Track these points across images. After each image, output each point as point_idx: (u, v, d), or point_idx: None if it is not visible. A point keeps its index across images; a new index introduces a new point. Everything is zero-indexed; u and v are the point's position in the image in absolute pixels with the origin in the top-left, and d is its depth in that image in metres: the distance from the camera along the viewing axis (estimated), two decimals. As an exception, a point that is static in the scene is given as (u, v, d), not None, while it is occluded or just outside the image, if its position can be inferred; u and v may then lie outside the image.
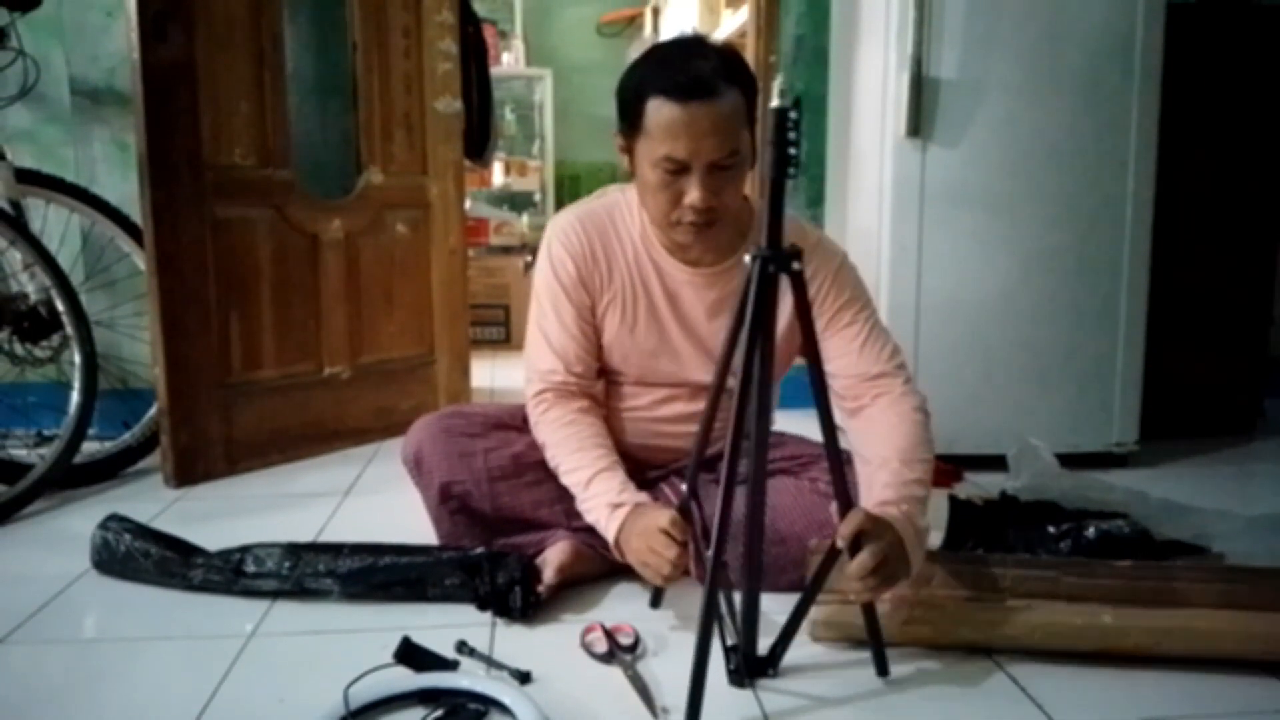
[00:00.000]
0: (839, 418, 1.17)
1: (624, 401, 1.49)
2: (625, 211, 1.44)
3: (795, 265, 1.06)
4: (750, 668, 1.16)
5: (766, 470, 1.42)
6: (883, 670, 1.18)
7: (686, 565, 1.22)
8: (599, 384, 1.47)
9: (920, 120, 1.97)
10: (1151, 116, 2.01)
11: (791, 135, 0.97)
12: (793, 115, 0.97)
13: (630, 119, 1.29)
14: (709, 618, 1.07)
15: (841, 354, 1.34)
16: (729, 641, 1.18)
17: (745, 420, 1.08)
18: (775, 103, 0.97)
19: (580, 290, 1.42)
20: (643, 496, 1.32)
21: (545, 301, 1.43)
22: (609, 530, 1.28)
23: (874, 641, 1.18)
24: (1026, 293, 2.04)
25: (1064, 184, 2.01)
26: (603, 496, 1.30)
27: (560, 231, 1.43)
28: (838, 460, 1.13)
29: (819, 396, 1.12)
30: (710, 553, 1.07)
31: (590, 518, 1.33)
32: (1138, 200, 2.02)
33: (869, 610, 1.17)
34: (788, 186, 1.02)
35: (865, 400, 1.32)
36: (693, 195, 1.26)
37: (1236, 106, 2.28)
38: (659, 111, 1.24)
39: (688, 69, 1.23)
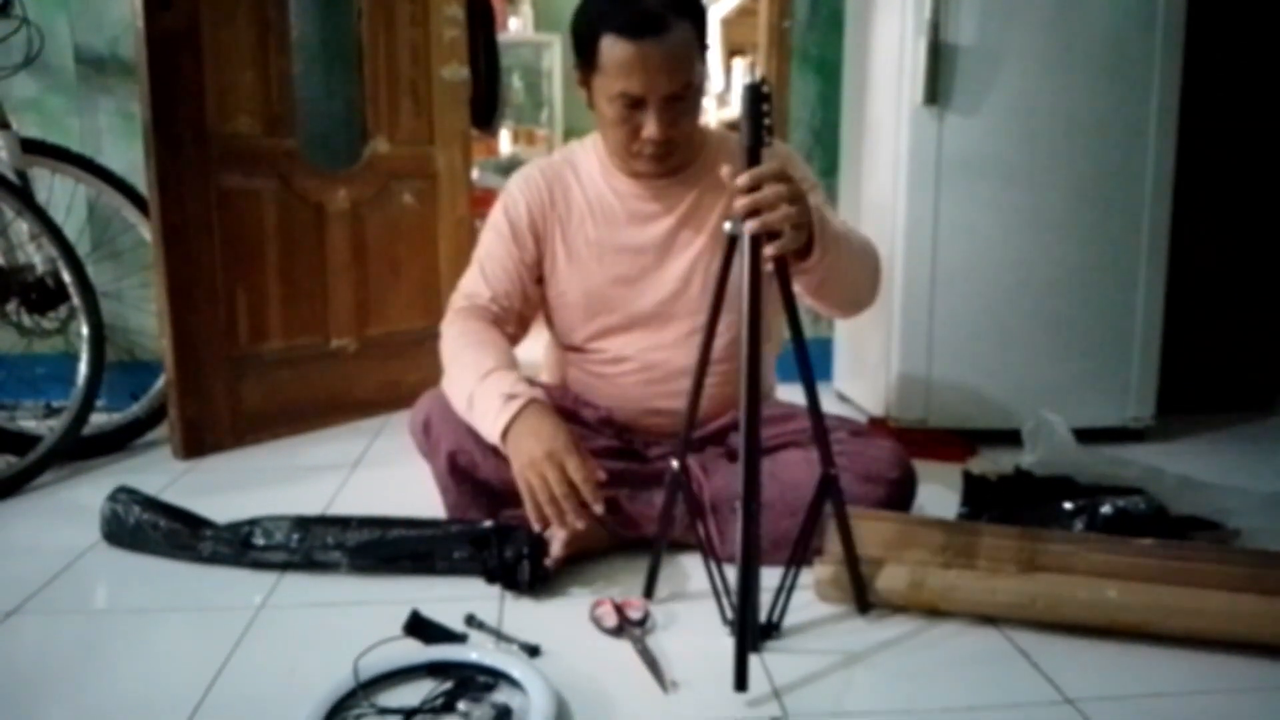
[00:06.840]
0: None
1: (617, 366, 1.48)
2: (582, 153, 1.49)
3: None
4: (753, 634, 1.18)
5: (776, 442, 1.44)
6: (864, 608, 1.23)
7: (584, 516, 1.22)
8: (513, 327, 1.47)
9: (937, 88, 1.93)
10: (1173, 86, 1.96)
11: (765, 108, 1.05)
12: (765, 90, 1.04)
13: (585, 56, 1.32)
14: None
15: None
16: (728, 615, 1.18)
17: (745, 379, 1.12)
18: (745, 80, 1.05)
19: (527, 237, 1.46)
20: (540, 394, 1.30)
21: (491, 236, 1.49)
22: (498, 420, 1.25)
23: (852, 575, 1.21)
24: (1044, 265, 2.00)
25: (1083, 154, 1.97)
26: (497, 386, 1.28)
27: (520, 177, 1.50)
28: (819, 421, 1.18)
29: (799, 352, 1.14)
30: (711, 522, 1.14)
31: (477, 412, 1.30)
32: (1158, 171, 1.98)
33: (850, 551, 1.20)
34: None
35: None
36: (649, 129, 1.31)
37: (1260, 77, 2.23)
38: (612, 49, 1.27)
39: (638, 5, 1.25)
